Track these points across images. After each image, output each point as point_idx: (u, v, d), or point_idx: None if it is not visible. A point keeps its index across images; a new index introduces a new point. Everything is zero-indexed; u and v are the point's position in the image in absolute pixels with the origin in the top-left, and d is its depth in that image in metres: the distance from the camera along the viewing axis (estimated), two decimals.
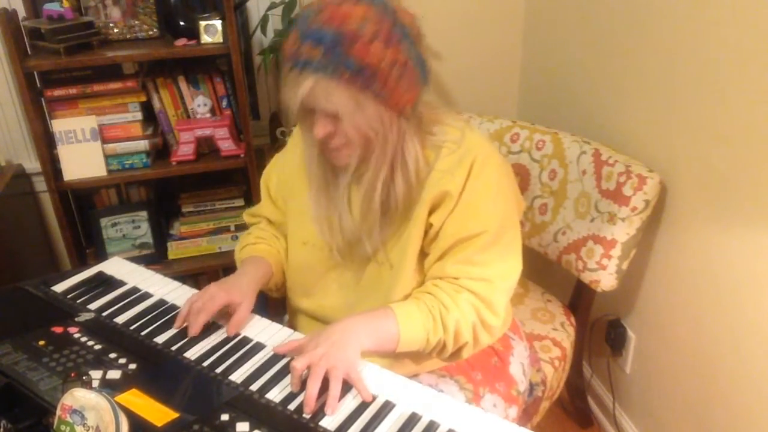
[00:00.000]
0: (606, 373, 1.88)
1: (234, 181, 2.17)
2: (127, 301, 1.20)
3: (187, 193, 2.12)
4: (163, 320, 1.14)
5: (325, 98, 0.96)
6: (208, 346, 1.08)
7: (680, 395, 1.58)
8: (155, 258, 2.09)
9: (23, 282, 1.25)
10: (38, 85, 1.87)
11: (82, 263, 2.01)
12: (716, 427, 1.45)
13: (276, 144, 2.07)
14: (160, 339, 1.09)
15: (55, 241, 2.22)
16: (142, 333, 1.10)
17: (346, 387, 0.98)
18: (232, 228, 2.11)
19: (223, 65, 2.00)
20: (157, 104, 1.97)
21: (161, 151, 2.01)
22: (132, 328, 1.12)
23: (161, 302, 1.20)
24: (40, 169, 1.88)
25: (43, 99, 1.86)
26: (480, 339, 1.13)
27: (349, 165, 1.07)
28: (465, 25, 2.20)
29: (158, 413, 0.90)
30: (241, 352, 1.06)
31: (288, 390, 0.97)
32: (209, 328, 1.12)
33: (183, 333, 1.11)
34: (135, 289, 1.25)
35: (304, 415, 0.92)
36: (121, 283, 1.27)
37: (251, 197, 2.03)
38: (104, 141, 1.90)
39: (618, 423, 1.86)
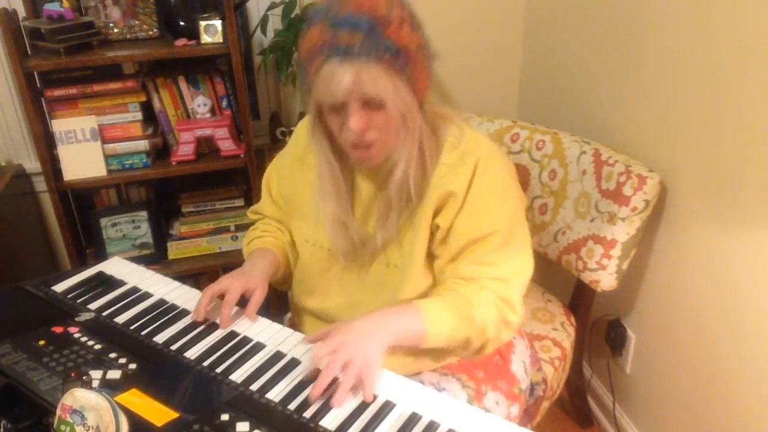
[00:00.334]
0: (606, 373, 1.88)
1: (234, 181, 2.17)
2: (127, 301, 1.20)
3: (187, 193, 2.12)
4: (163, 320, 1.14)
5: (372, 83, 0.94)
6: (208, 346, 1.07)
7: (680, 395, 1.58)
8: (155, 258, 2.10)
9: (23, 282, 1.25)
10: (38, 85, 1.87)
11: (82, 263, 2.01)
12: (716, 426, 1.45)
13: (276, 144, 2.07)
14: (160, 339, 1.09)
15: (55, 241, 2.22)
16: (142, 333, 1.10)
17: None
18: (232, 228, 2.12)
19: (223, 65, 2.00)
20: (157, 104, 1.97)
21: (161, 151, 2.01)
22: (132, 328, 1.12)
23: (161, 302, 1.20)
24: (40, 169, 1.88)
25: (43, 99, 1.86)
26: (501, 336, 1.12)
27: (376, 159, 1.06)
28: (465, 25, 2.20)
29: (158, 413, 0.90)
30: (241, 351, 1.06)
31: (288, 390, 0.97)
32: (209, 327, 1.12)
33: (182, 332, 1.11)
34: (135, 289, 1.25)
35: (304, 415, 0.92)
36: (121, 283, 1.27)
37: (251, 197, 2.03)
38: (104, 141, 1.90)
39: (618, 423, 1.86)
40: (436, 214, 1.10)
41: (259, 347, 1.08)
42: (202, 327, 1.13)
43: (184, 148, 1.93)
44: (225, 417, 0.90)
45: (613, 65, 1.71)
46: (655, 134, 1.56)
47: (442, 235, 1.10)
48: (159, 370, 1.01)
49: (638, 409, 1.78)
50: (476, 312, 1.06)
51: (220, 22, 1.83)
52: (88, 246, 2.11)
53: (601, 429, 1.93)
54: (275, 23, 2.06)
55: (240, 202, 2.12)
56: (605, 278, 1.53)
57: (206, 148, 1.99)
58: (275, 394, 0.96)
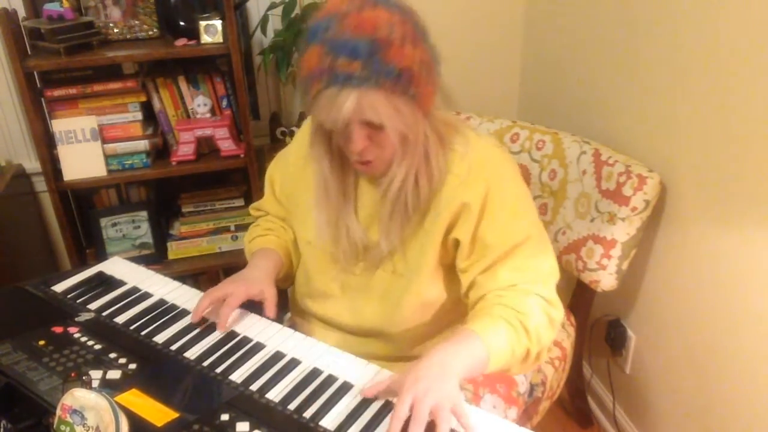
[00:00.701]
0: (606, 373, 1.88)
1: (234, 181, 2.17)
2: (127, 301, 1.20)
3: (187, 193, 2.12)
4: (162, 320, 1.14)
5: (371, 110, 0.94)
6: (208, 346, 1.07)
7: (680, 395, 1.58)
8: (155, 258, 2.09)
9: (23, 282, 1.25)
10: (38, 85, 1.87)
11: (82, 263, 2.01)
12: (716, 426, 1.45)
13: (276, 144, 2.07)
14: (160, 339, 1.09)
15: (55, 241, 2.22)
16: (142, 333, 1.10)
17: (347, 387, 0.98)
18: (232, 228, 2.11)
19: (223, 65, 2.00)
20: (157, 104, 1.97)
21: (161, 151, 2.01)
22: (132, 328, 1.12)
23: (161, 302, 1.20)
24: (40, 169, 1.88)
25: (43, 99, 1.86)
26: (551, 338, 1.09)
27: (375, 171, 1.07)
28: (465, 25, 2.20)
29: (158, 413, 0.90)
30: (241, 351, 1.06)
31: (288, 390, 0.97)
32: (209, 327, 1.12)
33: (182, 332, 1.11)
34: (135, 289, 1.25)
35: (304, 415, 0.92)
36: (121, 283, 1.27)
37: (251, 197, 2.03)
38: (104, 141, 1.90)
39: (618, 423, 1.86)
40: (450, 227, 1.09)
41: (259, 347, 1.08)
42: (202, 327, 1.13)
43: (184, 148, 1.93)
44: (225, 417, 0.90)
45: (613, 65, 1.71)
46: (655, 134, 1.56)
47: (466, 249, 1.09)
48: (159, 370, 1.01)
49: (638, 409, 1.78)
50: (530, 322, 1.03)
51: (220, 22, 1.83)
52: (88, 246, 2.11)
53: (601, 429, 1.93)
54: (275, 23, 2.06)
55: (240, 202, 2.12)
56: (605, 278, 1.53)
57: (206, 148, 1.99)
58: (275, 394, 0.96)
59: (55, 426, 0.84)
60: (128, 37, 1.94)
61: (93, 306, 1.18)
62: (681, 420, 1.59)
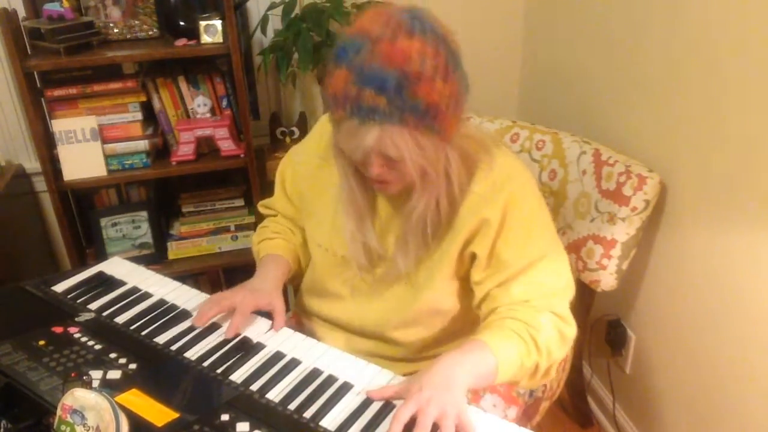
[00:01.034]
0: (606, 373, 1.88)
1: (234, 181, 2.17)
2: (127, 301, 1.20)
3: (187, 193, 2.12)
4: (163, 320, 1.14)
5: (392, 146, 0.92)
6: (209, 346, 1.07)
7: (680, 395, 1.58)
8: (155, 258, 2.09)
9: (23, 282, 1.25)
10: (38, 85, 1.87)
11: (82, 263, 2.01)
12: (716, 426, 1.45)
13: (276, 144, 2.07)
14: (160, 339, 1.09)
15: (55, 241, 2.22)
16: (142, 333, 1.10)
17: (347, 387, 0.98)
18: (232, 228, 2.11)
19: (223, 65, 2.00)
20: (157, 104, 1.96)
21: (161, 151, 2.01)
22: (132, 328, 1.12)
23: (161, 302, 1.20)
24: (40, 169, 1.88)
25: (43, 99, 1.86)
26: (562, 354, 1.10)
27: (391, 191, 1.06)
28: (465, 25, 2.18)
29: (158, 413, 0.90)
30: (241, 352, 1.06)
31: (288, 390, 0.97)
32: (209, 328, 1.12)
33: (183, 333, 1.11)
34: (135, 289, 1.24)
35: (304, 415, 0.92)
36: (121, 283, 1.27)
37: (251, 197, 2.03)
38: (104, 141, 1.90)
39: (618, 423, 1.86)
40: (468, 241, 1.08)
41: (259, 347, 1.08)
42: (202, 327, 1.13)
43: (184, 148, 1.93)
44: (225, 417, 0.90)
45: (614, 65, 1.71)
46: (655, 134, 1.56)
47: (482, 262, 1.08)
48: (159, 371, 1.01)
49: (638, 409, 1.78)
50: (540, 336, 1.03)
51: (220, 22, 1.83)
52: (88, 246, 2.11)
53: (601, 429, 1.93)
54: (275, 23, 2.06)
55: (240, 202, 2.12)
56: (605, 278, 1.53)
57: (206, 148, 1.99)
58: (275, 394, 0.96)
59: (55, 426, 0.84)
60: (128, 37, 1.94)
61: (93, 306, 1.18)
62: (681, 420, 1.59)
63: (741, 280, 1.32)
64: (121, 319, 1.14)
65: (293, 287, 1.39)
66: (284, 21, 1.92)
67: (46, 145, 1.85)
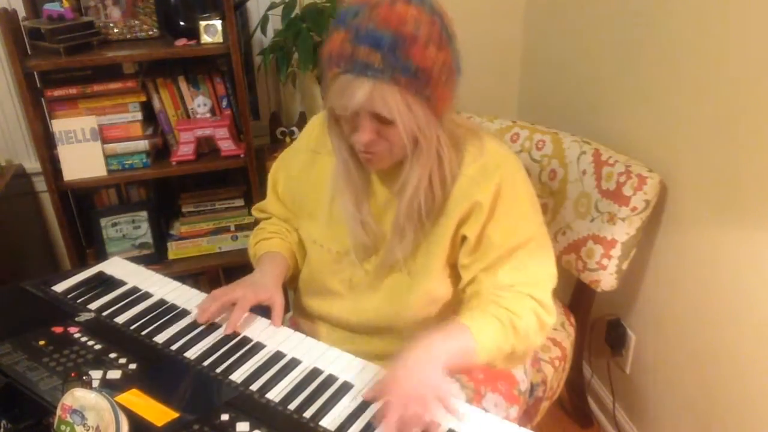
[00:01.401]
0: (606, 373, 1.88)
1: (234, 181, 2.17)
2: (127, 301, 1.20)
3: (187, 193, 2.12)
4: (163, 320, 1.14)
5: (382, 103, 0.94)
6: (208, 346, 1.07)
7: (680, 395, 1.58)
8: (155, 258, 2.10)
9: (23, 282, 1.25)
10: (38, 85, 1.87)
11: (82, 263, 2.01)
12: (716, 426, 1.45)
13: (276, 144, 2.07)
14: (160, 339, 1.09)
15: (55, 241, 2.22)
16: (142, 333, 1.10)
17: (347, 387, 0.98)
18: (232, 228, 2.11)
19: (223, 65, 2.00)
20: (157, 104, 1.97)
21: (161, 151, 2.01)
22: (132, 328, 1.12)
23: (161, 302, 1.20)
24: (40, 169, 1.88)
25: (43, 99, 1.86)
26: (539, 340, 1.12)
27: (378, 166, 1.07)
28: (465, 24, 2.18)
29: (158, 413, 0.90)
30: (241, 351, 1.06)
31: (288, 390, 0.97)
32: (209, 327, 1.12)
33: (182, 332, 1.11)
34: (135, 289, 1.24)
35: (304, 415, 0.92)
36: (121, 283, 1.26)
37: (251, 197, 2.04)
38: (104, 141, 1.90)
39: (618, 423, 1.86)
40: (460, 225, 1.09)
41: (259, 347, 1.08)
42: (202, 327, 1.13)
43: (184, 148, 1.93)
44: (225, 417, 0.90)
45: (614, 65, 1.71)
46: (655, 134, 1.56)
47: (471, 245, 1.09)
48: (159, 370, 1.01)
49: (638, 409, 1.78)
50: (520, 322, 1.05)
51: (220, 22, 1.83)
52: (88, 246, 2.11)
53: (601, 429, 1.93)
54: (275, 23, 2.06)
55: (240, 202, 2.12)
56: (605, 278, 1.53)
57: (206, 148, 1.99)
58: (275, 394, 0.96)
59: (55, 426, 0.84)
60: (128, 37, 1.94)
61: (93, 306, 1.18)
62: (681, 420, 1.59)
63: (741, 280, 1.32)
64: (121, 319, 1.14)
65: (292, 290, 1.39)
66: (284, 21, 1.92)
67: (46, 145, 1.85)
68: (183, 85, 1.96)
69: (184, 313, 1.17)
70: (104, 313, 1.16)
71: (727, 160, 1.32)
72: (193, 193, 2.12)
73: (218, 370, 1.01)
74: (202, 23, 1.83)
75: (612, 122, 1.74)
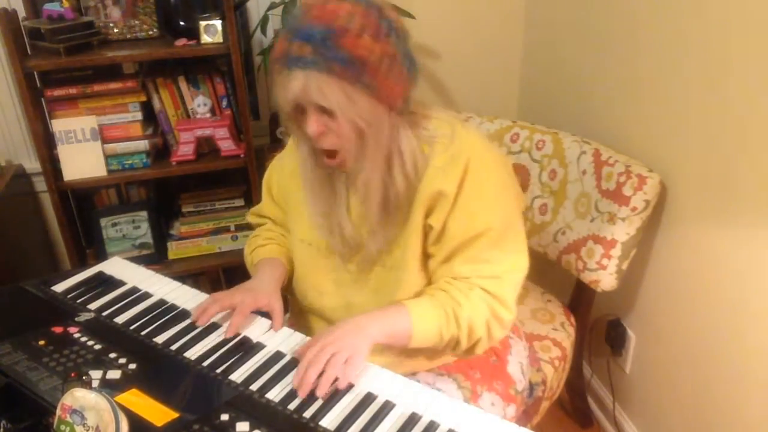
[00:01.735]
0: (606, 373, 1.88)
1: (234, 181, 2.17)
2: (127, 301, 1.20)
3: (187, 193, 2.12)
4: (163, 320, 1.14)
5: (318, 92, 0.96)
6: (208, 346, 1.07)
7: (680, 395, 1.58)
8: (155, 258, 2.10)
9: (23, 282, 1.25)
10: (38, 85, 1.87)
11: (82, 263, 2.01)
12: (716, 426, 1.45)
13: (276, 144, 2.07)
14: (160, 339, 1.09)
15: (55, 241, 2.22)
16: (142, 333, 1.10)
17: (347, 387, 0.98)
18: (232, 228, 2.12)
19: (223, 65, 2.00)
20: (157, 104, 1.97)
21: (161, 151, 2.01)
22: (132, 328, 1.12)
23: (161, 302, 1.20)
24: (40, 169, 1.88)
25: (43, 99, 1.86)
26: (494, 334, 1.12)
27: (343, 166, 1.08)
28: (465, 25, 2.20)
29: (158, 413, 0.90)
30: (241, 351, 1.06)
31: (288, 390, 0.97)
32: (209, 328, 1.12)
33: (182, 332, 1.11)
34: (135, 289, 1.25)
35: (304, 415, 0.92)
36: (121, 283, 1.27)
37: (251, 197, 2.04)
38: (104, 141, 1.90)
39: (618, 423, 1.86)
40: (427, 214, 1.10)
41: (259, 347, 1.08)
42: (202, 327, 1.13)
43: (184, 148, 1.93)
44: (225, 417, 0.90)
45: (613, 65, 1.71)
46: (655, 134, 1.56)
47: (435, 235, 1.10)
48: (159, 370, 1.01)
49: (638, 409, 1.78)
50: (463, 312, 1.07)
51: (220, 22, 1.83)
52: (88, 246, 2.11)
53: (601, 429, 1.93)
54: (275, 23, 2.06)
55: (240, 202, 2.12)
56: (605, 278, 1.53)
57: (206, 148, 1.99)
58: (275, 394, 0.96)
59: (55, 426, 0.84)
60: (128, 37, 1.94)
61: (93, 306, 1.18)
62: (681, 420, 1.59)
63: (741, 280, 1.32)
64: (120, 319, 1.14)
65: (289, 293, 1.39)
66: (284, 21, 1.92)
67: (46, 145, 1.85)
68: (183, 85, 1.96)
69: (184, 313, 1.17)
70: (104, 313, 1.16)
71: (726, 160, 1.32)
72: (193, 193, 2.12)
73: (218, 370, 1.01)
74: (202, 23, 1.83)
75: (612, 122, 1.74)
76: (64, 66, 1.78)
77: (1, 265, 1.84)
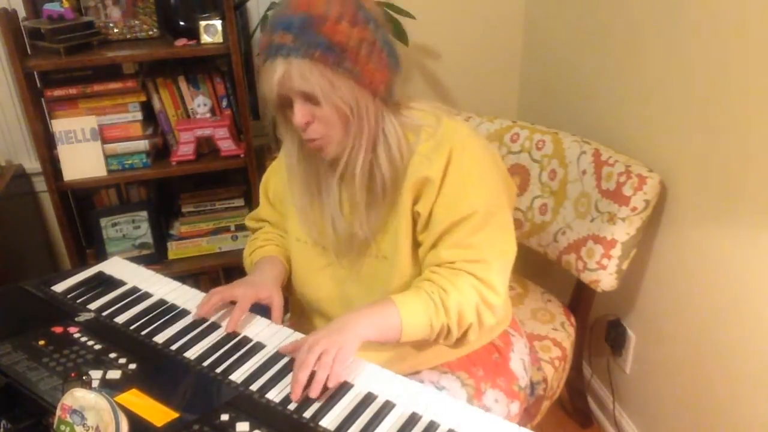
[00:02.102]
0: (606, 373, 1.88)
1: (234, 181, 2.17)
2: (127, 301, 1.20)
3: (187, 193, 2.12)
4: (162, 320, 1.14)
5: (301, 79, 0.98)
6: (208, 346, 1.07)
7: (680, 395, 1.58)
8: (155, 258, 2.10)
9: (23, 282, 1.25)
10: (38, 85, 1.87)
11: (82, 263, 2.01)
12: (716, 426, 1.45)
13: (276, 144, 2.07)
14: (160, 339, 1.09)
15: (55, 241, 2.22)
16: (142, 333, 1.10)
17: (347, 387, 0.98)
18: (232, 228, 2.12)
19: (223, 65, 2.00)
20: (157, 104, 1.97)
21: (161, 151, 2.01)
22: (132, 328, 1.12)
23: (161, 302, 1.20)
24: (40, 169, 1.88)
25: (43, 99, 1.86)
26: (484, 319, 1.12)
27: (332, 156, 1.08)
28: (465, 25, 2.20)
29: (158, 413, 0.90)
30: (241, 352, 1.06)
31: (288, 390, 0.97)
32: (209, 327, 1.12)
33: (182, 332, 1.11)
34: (135, 289, 1.25)
35: (304, 415, 0.92)
36: (121, 283, 1.27)
37: (251, 197, 2.04)
38: (104, 141, 1.90)
39: (618, 423, 1.86)
40: (415, 201, 1.11)
41: (259, 347, 1.08)
42: (202, 327, 1.13)
43: (184, 148, 1.93)
44: (225, 417, 0.90)
45: (613, 65, 1.71)
46: (655, 134, 1.56)
47: (423, 222, 1.11)
48: (159, 370, 1.01)
49: (638, 409, 1.78)
50: (451, 299, 1.07)
51: (220, 22, 1.83)
52: (88, 246, 2.11)
53: (601, 429, 1.93)
54: None
55: (240, 202, 2.12)
56: (605, 278, 1.53)
57: (206, 148, 1.99)
58: (275, 394, 0.96)
59: (55, 426, 0.84)
60: (128, 37, 1.94)
61: (93, 306, 1.18)
62: (681, 420, 1.59)
63: (741, 280, 1.32)
64: (120, 319, 1.14)
65: (288, 293, 1.40)
66: None
67: (46, 145, 1.85)
68: (183, 85, 1.96)
69: (184, 313, 1.17)
70: (104, 313, 1.16)
71: (727, 160, 1.32)
72: (193, 193, 2.12)
73: (218, 370, 1.01)
74: (202, 23, 1.83)
75: (612, 122, 1.74)
76: (64, 66, 1.78)
77: (1, 265, 1.84)
